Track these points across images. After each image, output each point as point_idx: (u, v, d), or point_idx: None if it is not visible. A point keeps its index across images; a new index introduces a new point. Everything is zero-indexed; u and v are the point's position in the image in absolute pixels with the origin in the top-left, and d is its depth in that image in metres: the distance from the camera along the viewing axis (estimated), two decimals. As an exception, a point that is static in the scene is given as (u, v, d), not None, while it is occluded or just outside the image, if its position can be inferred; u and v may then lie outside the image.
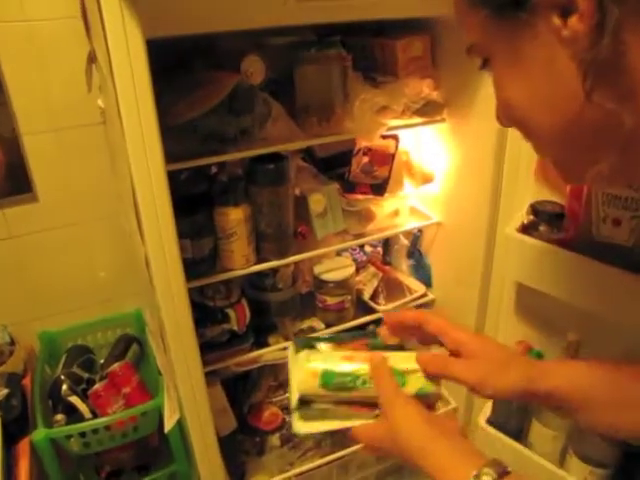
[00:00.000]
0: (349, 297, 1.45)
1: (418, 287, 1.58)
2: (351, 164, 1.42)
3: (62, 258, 1.75)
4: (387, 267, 1.66)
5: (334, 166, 1.46)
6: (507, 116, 0.56)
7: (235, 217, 1.18)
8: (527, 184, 1.15)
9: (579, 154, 0.54)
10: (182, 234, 1.08)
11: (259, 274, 1.33)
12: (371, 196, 1.41)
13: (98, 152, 1.63)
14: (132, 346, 1.72)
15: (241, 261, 1.23)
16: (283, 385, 1.61)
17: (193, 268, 1.16)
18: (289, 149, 1.22)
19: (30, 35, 1.49)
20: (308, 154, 1.45)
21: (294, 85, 1.18)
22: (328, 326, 1.45)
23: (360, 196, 1.41)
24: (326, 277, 1.43)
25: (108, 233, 1.78)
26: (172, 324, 1.11)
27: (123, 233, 1.62)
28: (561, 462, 1.11)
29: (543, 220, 1.06)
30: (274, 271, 1.37)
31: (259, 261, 1.26)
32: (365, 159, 1.41)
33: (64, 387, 1.47)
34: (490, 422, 1.22)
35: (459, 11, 0.54)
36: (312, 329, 1.45)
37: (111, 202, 1.69)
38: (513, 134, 1.17)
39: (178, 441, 1.47)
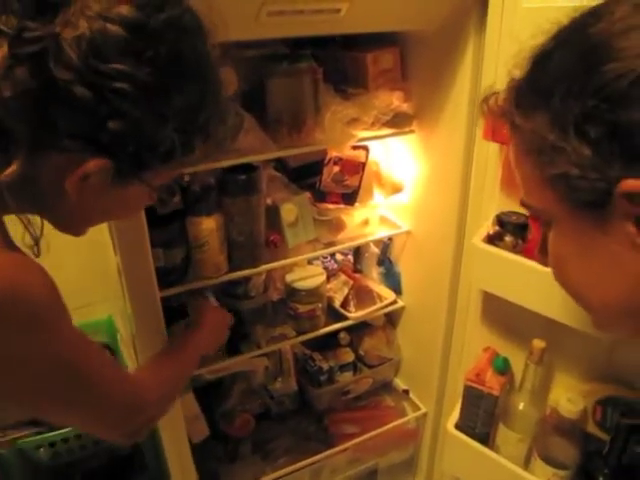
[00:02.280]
0: (320, 305, 1.47)
1: (388, 294, 1.60)
2: (322, 174, 1.43)
3: (31, 266, 1.72)
4: (358, 275, 1.68)
5: (305, 176, 1.47)
6: (557, 278, 0.59)
7: (207, 226, 1.19)
8: (493, 195, 1.18)
9: (618, 322, 0.57)
10: (154, 243, 1.09)
11: (231, 282, 1.34)
12: (342, 205, 1.43)
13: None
14: (103, 354, 1.70)
15: (213, 270, 1.24)
16: (255, 392, 1.62)
17: (165, 277, 1.16)
18: (261, 159, 1.23)
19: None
20: (280, 164, 1.46)
21: (266, 97, 1.19)
22: (299, 333, 1.47)
23: (331, 205, 1.43)
24: (298, 285, 1.44)
25: (78, 240, 1.76)
26: (145, 333, 1.11)
27: (93, 241, 1.60)
28: (526, 465, 1.14)
29: (508, 231, 1.09)
30: (246, 279, 1.37)
31: (231, 269, 1.27)
32: (336, 168, 1.42)
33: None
34: (458, 427, 1.25)
35: (525, 176, 0.55)
36: (284, 336, 1.46)
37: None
38: (480, 147, 1.20)
39: (151, 449, 1.47)
